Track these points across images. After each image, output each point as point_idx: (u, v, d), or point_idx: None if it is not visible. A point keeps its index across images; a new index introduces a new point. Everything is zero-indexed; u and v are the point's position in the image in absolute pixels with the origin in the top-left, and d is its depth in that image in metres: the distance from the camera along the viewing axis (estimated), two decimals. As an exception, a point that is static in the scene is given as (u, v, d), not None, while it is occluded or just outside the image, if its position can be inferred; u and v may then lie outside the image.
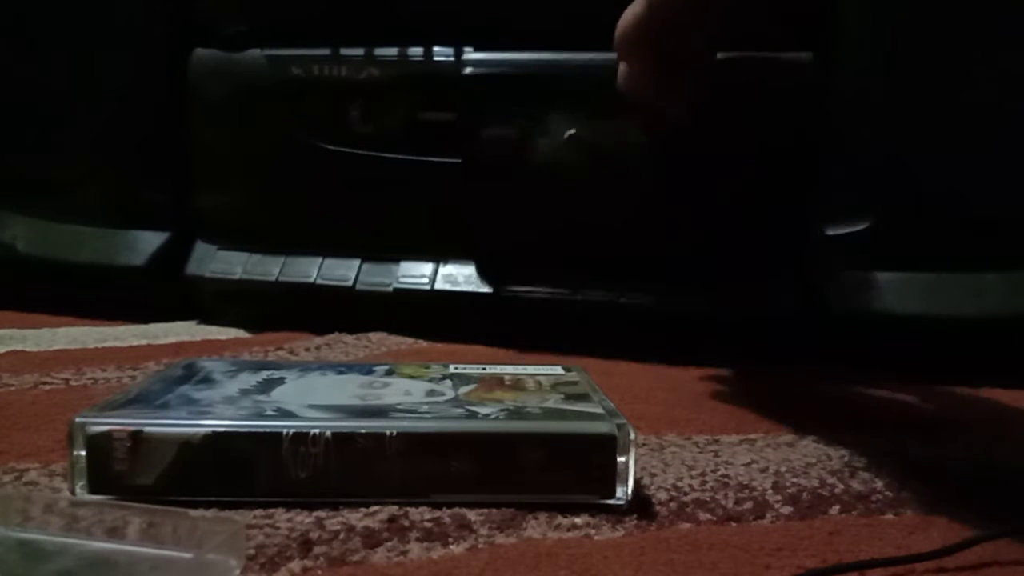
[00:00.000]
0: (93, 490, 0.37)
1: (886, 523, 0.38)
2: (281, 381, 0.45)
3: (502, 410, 0.41)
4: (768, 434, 0.51)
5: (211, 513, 0.35)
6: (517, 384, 0.46)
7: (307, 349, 0.72)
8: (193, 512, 0.32)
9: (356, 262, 0.78)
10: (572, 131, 0.71)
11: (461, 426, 0.38)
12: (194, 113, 0.82)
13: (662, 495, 0.40)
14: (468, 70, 0.73)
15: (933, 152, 0.67)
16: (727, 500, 0.40)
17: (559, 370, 0.50)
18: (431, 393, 0.44)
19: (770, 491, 0.41)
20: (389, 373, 0.48)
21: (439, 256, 0.77)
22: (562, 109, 0.72)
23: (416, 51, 0.75)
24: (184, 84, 0.81)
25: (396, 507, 0.37)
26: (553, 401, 0.43)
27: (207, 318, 0.83)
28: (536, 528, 0.36)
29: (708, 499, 0.40)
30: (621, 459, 0.38)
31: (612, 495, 0.38)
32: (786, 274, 0.72)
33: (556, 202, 0.74)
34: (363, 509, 0.37)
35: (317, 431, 0.37)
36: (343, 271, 0.78)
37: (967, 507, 0.40)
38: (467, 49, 0.74)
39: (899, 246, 0.68)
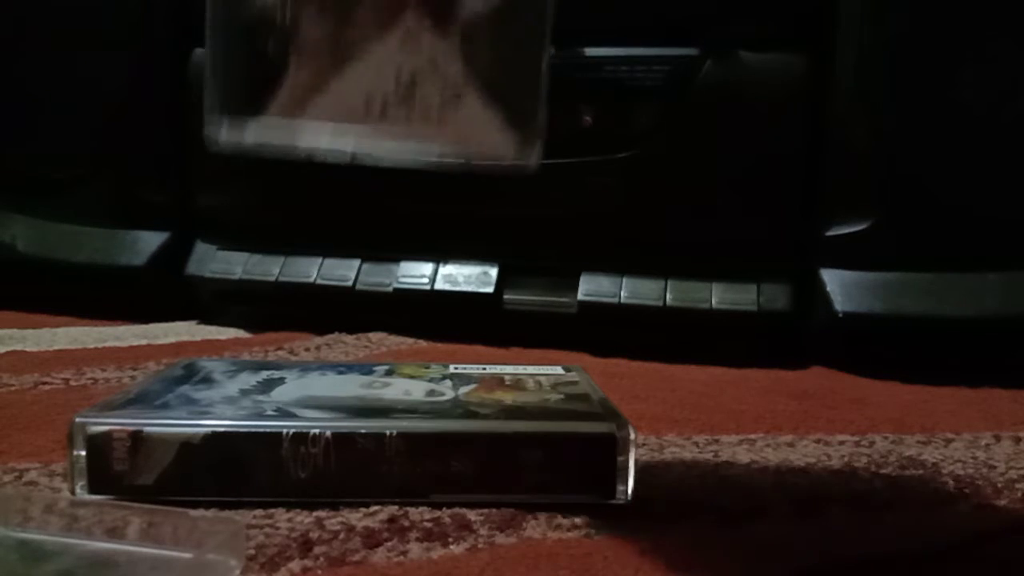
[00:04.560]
0: (93, 490, 0.37)
1: (886, 523, 0.38)
2: (281, 381, 0.45)
3: (502, 410, 0.41)
4: (768, 434, 0.51)
5: (211, 513, 0.35)
6: (517, 384, 0.46)
7: (307, 349, 0.72)
8: (193, 512, 0.32)
9: (356, 262, 0.78)
10: (587, 120, 0.71)
11: (461, 426, 0.38)
12: (194, 113, 0.82)
13: (662, 495, 0.40)
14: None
15: (933, 152, 0.67)
16: (727, 500, 0.40)
17: (559, 370, 0.50)
18: (431, 393, 0.44)
19: (770, 491, 0.41)
20: (389, 373, 0.48)
21: (439, 256, 0.77)
22: (569, 103, 0.72)
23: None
24: (184, 84, 0.81)
25: (396, 507, 0.37)
26: (553, 401, 0.43)
27: (207, 318, 0.83)
28: (536, 528, 0.36)
29: (708, 499, 0.40)
30: (621, 459, 0.38)
31: (612, 495, 0.38)
32: (786, 274, 0.72)
33: (555, 199, 0.74)
34: (363, 509, 0.37)
35: (317, 431, 0.37)
36: (343, 271, 0.78)
37: (966, 507, 0.40)
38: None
39: (899, 246, 0.68)
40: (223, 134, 0.38)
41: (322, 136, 0.37)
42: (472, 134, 0.37)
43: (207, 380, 0.44)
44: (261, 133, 0.37)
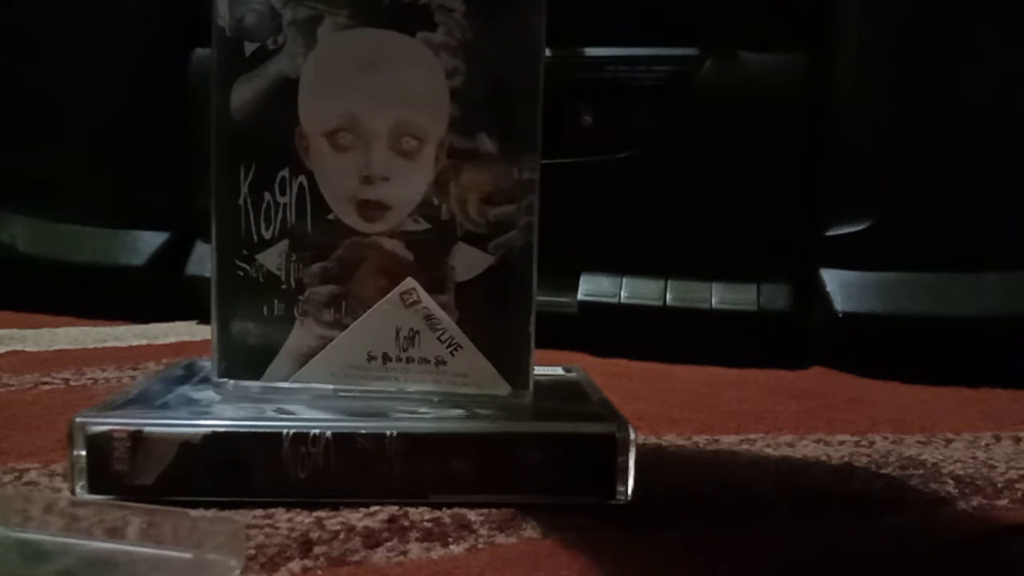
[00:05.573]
0: (93, 490, 0.37)
1: (886, 523, 0.38)
2: (281, 381, 0.45)
3: (502, 410, 0.41)
4: (768, 434, 0.51)
5: (211, 513, 0.35)
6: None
7: (307, 349, 0.71)
8: (193, 512, 0.32)
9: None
10: (587, 120, 0.71)
11: (461, 426, 0.38)
12: (194, 113, 0.82)
13: (662, 495, 0.40)
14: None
15: (933, 152, 0.67)
16: (727, 500, 0.40)
17: (559, 370, 0.50)
18: (431, 393, 0.44)
19: (770, 491, 0.41)
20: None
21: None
22: (569, 103, 0.72)
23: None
24: (184, 84, 0.81)
25: (396, 507, 0.37)
26: (553, 401, 0.43)
27: (207, 318, 0.83)
28: (536, 528, 0.36)
29: (708, 499, 0.40)
30: (621, 459, 0.38)
31: (612, 495, 0.38)
32: (786, 274, 0.72)
33: (555, 199, 0.74)
34: (363, 509, 0.37)
35: (317, 431, 0.37)
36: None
37: (967, 507, 0.40)
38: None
39: (899, 246, 0.68)
40: (229, 391, 0.41)
41: (325, 390, 0.41)
42: (468, 379, 0.41)
43: (207, 380, 0.44)
44: (267, 389, 0.41)
